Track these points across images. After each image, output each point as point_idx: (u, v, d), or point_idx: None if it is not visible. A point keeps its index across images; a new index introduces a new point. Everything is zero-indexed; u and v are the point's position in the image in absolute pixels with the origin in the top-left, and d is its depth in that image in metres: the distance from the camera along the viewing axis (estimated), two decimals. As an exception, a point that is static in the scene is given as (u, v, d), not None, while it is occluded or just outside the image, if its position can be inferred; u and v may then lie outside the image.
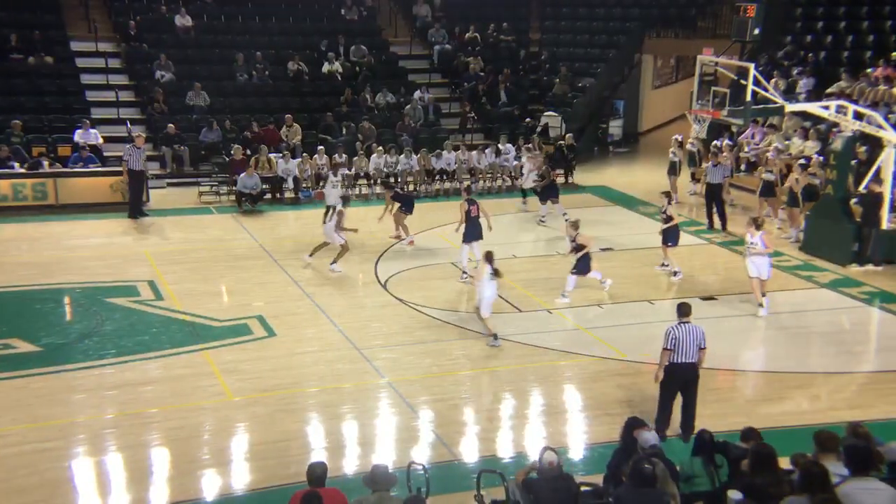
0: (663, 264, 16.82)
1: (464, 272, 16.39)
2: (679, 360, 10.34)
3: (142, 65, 26.02)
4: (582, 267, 15.31)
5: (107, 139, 22.98)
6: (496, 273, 13.31)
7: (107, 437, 10.79)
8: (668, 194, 17.04)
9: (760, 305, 14.72)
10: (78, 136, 22.33)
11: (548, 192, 20.65)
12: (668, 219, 16.35)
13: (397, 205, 18.72)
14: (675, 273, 16.52)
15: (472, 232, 16.17)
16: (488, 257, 13.37)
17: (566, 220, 19.34)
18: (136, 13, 27.41)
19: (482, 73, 28.50)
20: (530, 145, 23.67)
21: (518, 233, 20.32)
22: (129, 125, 24.07)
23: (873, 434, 7.99)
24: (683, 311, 10.61)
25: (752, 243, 14.65)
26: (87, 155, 21.49)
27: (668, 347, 10.34)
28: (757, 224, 14.69)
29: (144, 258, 17.57)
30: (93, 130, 22.60)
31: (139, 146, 20.50)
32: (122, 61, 26.58)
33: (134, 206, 20.49)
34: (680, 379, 10.45)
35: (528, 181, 21.72)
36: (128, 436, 10.76)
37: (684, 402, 10.60)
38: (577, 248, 15.26)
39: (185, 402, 11.63)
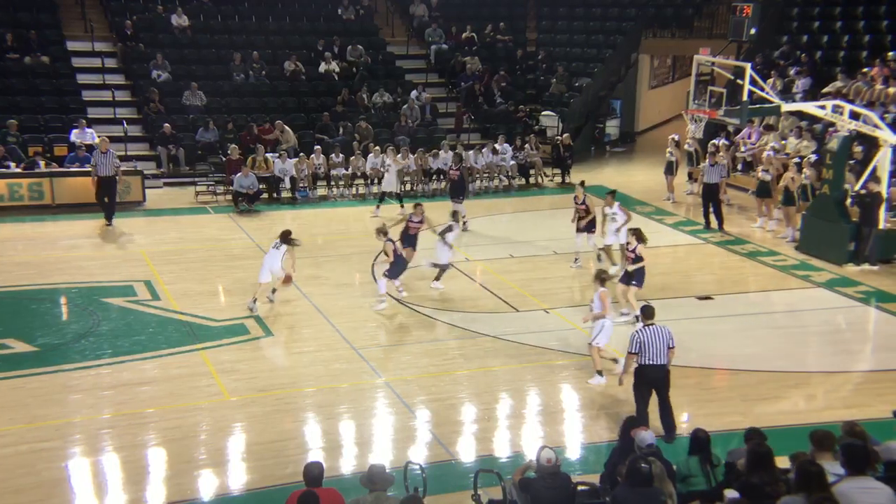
0: (623, 313, 14.41)
1: (576, 259, 17.30)
2: (647, 362, 10.45)
3: (138, 64, 25.99)
4: (393, 271, 14.94)
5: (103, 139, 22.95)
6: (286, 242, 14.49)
7: (103, 437, 10.78)
8: (637, 233, 14.50)
9: (599, 373, 12.21)
10: (74, 135, 22.29)
11: (457, 190, 20.07)
12: (638, 259, 14.26)
13: None
14: (635, 317, 13.65)
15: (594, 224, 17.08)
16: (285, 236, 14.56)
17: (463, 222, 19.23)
18: (132, 13, 27.39)
19: (479, 73, 28.51)
20: (399, 147, 22.92)
21: (515, 232, 20.31)
22: (125, 125, 24.08)
23: (869, 433, 8.01)
24: (647, 313, 10.73)
25: (591, 300, 12.53)
26: (84, 155, 21.42)
27: (633, 351, 10.50)
28: (601, 279, 12.34)
29: (141, 258, 17.56)
30: (89, 130, 22.54)
31: (104, 151, 19.68)
32: (118, 61, 26.56)
33: (104, 210, 19.82)
34: (649, 380, 10.54)
35: (391, 184, 21.05)
36: (124, 436, 10.75)
37: (659, 402, 10.64)
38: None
39: (181, 402, 11.62)
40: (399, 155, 22.28)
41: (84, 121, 22.77)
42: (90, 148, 21.94)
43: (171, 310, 14.80)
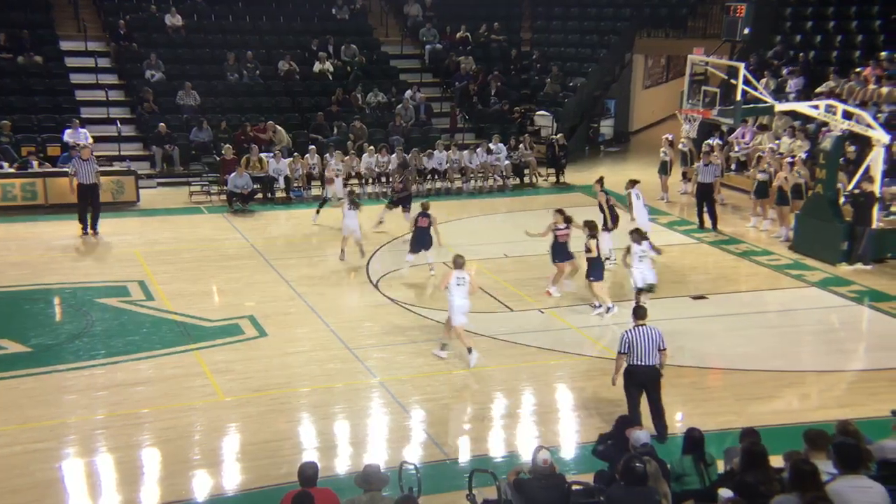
0: (594, 305, 14.73)
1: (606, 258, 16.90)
2: (637, 363, 10.47)
3: (132, 64, 25.95)
4: (414, 244, 16.44)
5: (96, 139, 22.87)
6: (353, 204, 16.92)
7: (98, 437, 10.77)
8: (591, 226, 14.56)
9: (467, 351, 12.70)
10: (67, 135, 22.22)
11: (404, 200, 19.51)
12: (587, 251, 14.31)
13: None
14: (607, 309, 14.39)
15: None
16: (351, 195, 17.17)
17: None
18: (125, 12, 27.34)
19: (473, 73, 28.50)
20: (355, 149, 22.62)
21: (509, 232, 20.28)
22: (118, 125, 24.03)
23: (863, 432, 8.03)
24: (639, 314, 10.74)
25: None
26: (76, 154, 21.36)
27: (622, 352, 10.53)
28: (457, 263, 12.59)
29: (135, 258, 17.52)
30: (82, 130, 22.47)
31: (85, 158, 18.97)
32: (111, 60, 26.51)
33: (83, 218, 18.93)
34: (638, 381, 10.56)
35: (336, 190, 20.25)
36: (119, 436, 10.73)
37: (650, 403, 10.64)
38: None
39: (176, 402, 11.60)
40: (347, 157, 22.45)
41: (77, 121, 22.72)
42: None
43: (165, 310, 14.77)
